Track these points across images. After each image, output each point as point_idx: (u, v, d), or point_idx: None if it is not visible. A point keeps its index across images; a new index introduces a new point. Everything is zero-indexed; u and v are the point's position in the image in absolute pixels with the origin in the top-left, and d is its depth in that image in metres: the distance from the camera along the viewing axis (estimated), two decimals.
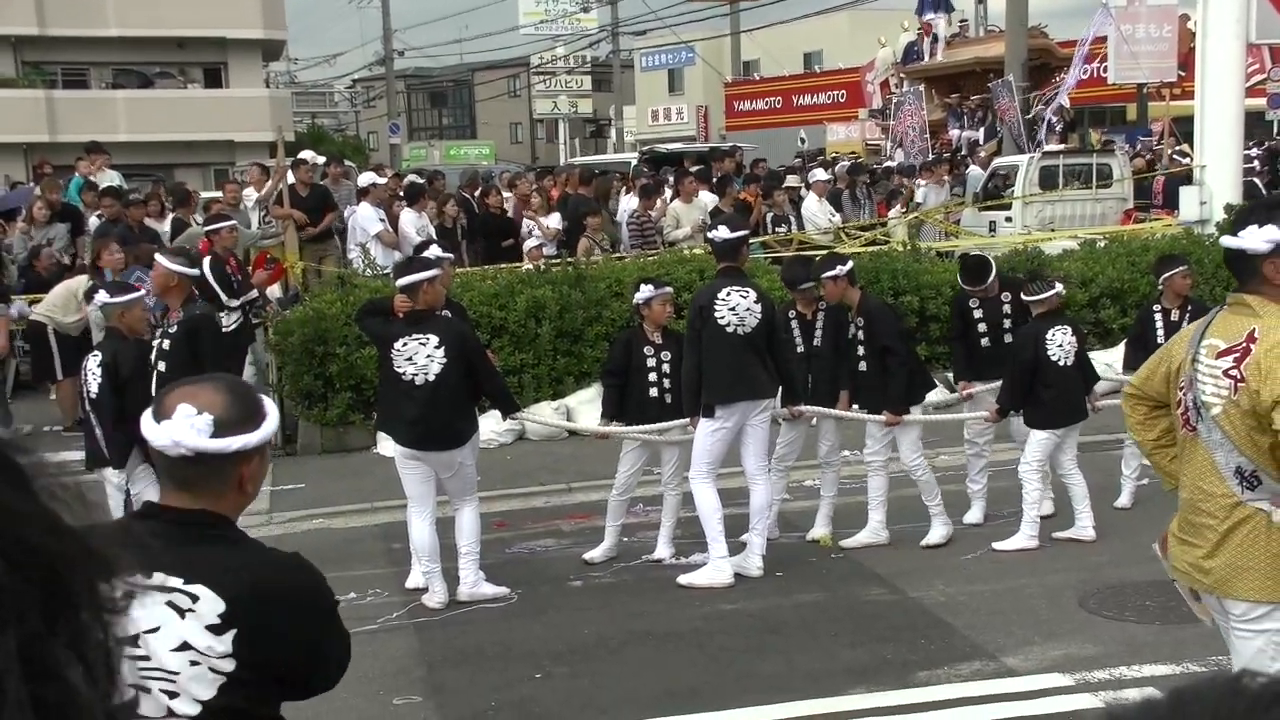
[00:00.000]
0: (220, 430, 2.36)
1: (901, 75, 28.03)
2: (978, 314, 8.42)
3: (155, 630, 2.28)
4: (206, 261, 10.41)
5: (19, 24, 33.17)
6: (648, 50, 54.21)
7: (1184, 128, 19.19)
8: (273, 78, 46.77)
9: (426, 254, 7.67)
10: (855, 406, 8.09)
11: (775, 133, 37.02)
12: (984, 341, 8.40)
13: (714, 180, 17.35)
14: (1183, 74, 22.90)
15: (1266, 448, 3.57)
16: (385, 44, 50.00)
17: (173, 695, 2.29)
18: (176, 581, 2.31)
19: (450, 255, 8.10)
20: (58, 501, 0.87)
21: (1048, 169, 18.43)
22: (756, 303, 7.43)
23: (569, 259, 12.53)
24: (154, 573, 2.27)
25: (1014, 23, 23.76)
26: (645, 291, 7.75)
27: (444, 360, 6.81)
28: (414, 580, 7.42)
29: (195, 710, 2.30)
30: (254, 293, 10.76)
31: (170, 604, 2.29)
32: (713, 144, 29.84)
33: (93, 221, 14.25)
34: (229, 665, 2.31)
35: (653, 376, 7.70)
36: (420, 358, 6.81)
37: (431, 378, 6.80)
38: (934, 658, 6.19)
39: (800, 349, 8.06)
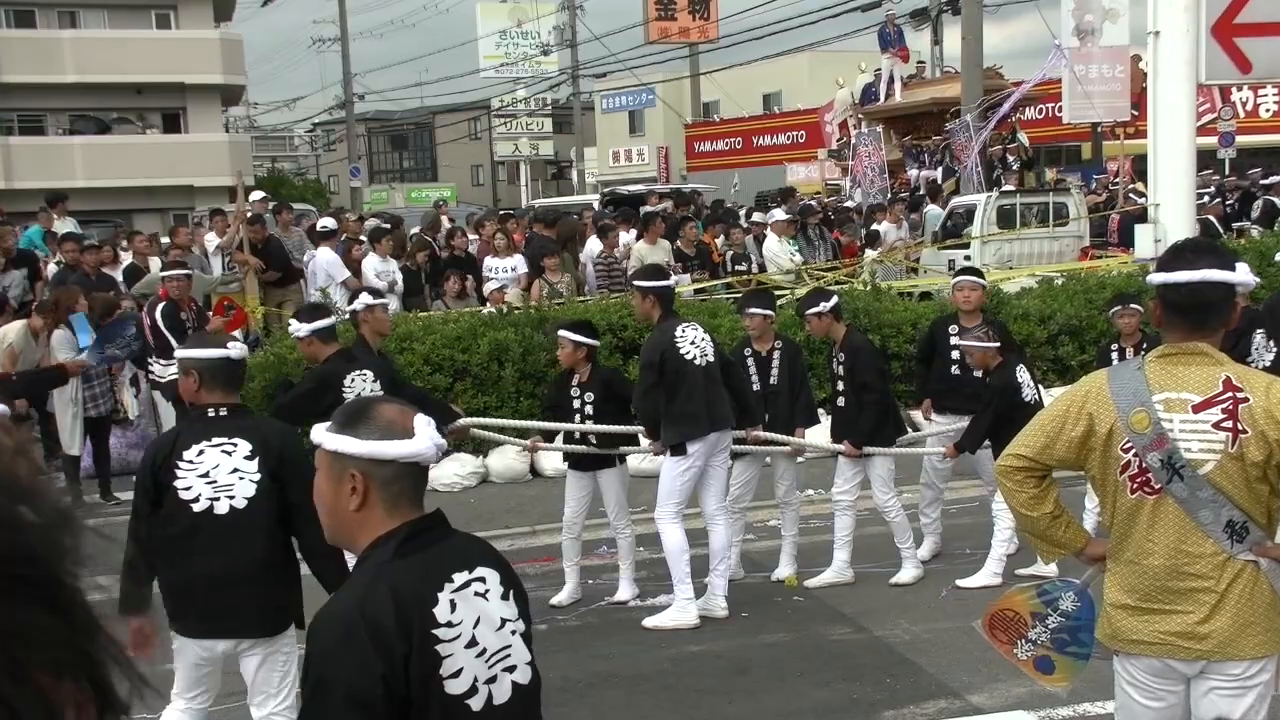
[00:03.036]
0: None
1: (860, 116, 28.23)
2: (954, 341, 8.37)
3: (477, 623, 2.54)
4: (159, 308, 10.34)
5: None
6: (608, 92, 54.45)
7: (1139, 166, 19.46)
8: (232, 122, 46.73)
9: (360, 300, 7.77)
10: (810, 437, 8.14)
11: (736, 173, 37.26)
12: (953, 370, 8.41)
13: (675, 219, 17.40)
14: (1136, 113, 23.22)
15: (1265, 496, 3.50)
16: (345, 88, 50.11)
17: (511, 669, 2.59)
18: (475, 573, 2.60)
19: (385, 300, 8.12)
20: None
21: (1005, 208, 18.61)
22: (706, 332, 7.65)
23: (522, 305, 12.52)
24: (460, 570, 2.57)
25: (969, 64, 24.06)
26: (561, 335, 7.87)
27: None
28: None
29: (528, 678, 2.63)
30: None
31: (478, 593, 2.57)
32: (674, 185, 29.95)
33: (51, 268, 14.15)
34: (522, 626, 2.65)
35: (577, 418, 7.78)
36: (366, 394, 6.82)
37: None
38: (900, 696, 6.18)
39: (756, 387, 8.08)
